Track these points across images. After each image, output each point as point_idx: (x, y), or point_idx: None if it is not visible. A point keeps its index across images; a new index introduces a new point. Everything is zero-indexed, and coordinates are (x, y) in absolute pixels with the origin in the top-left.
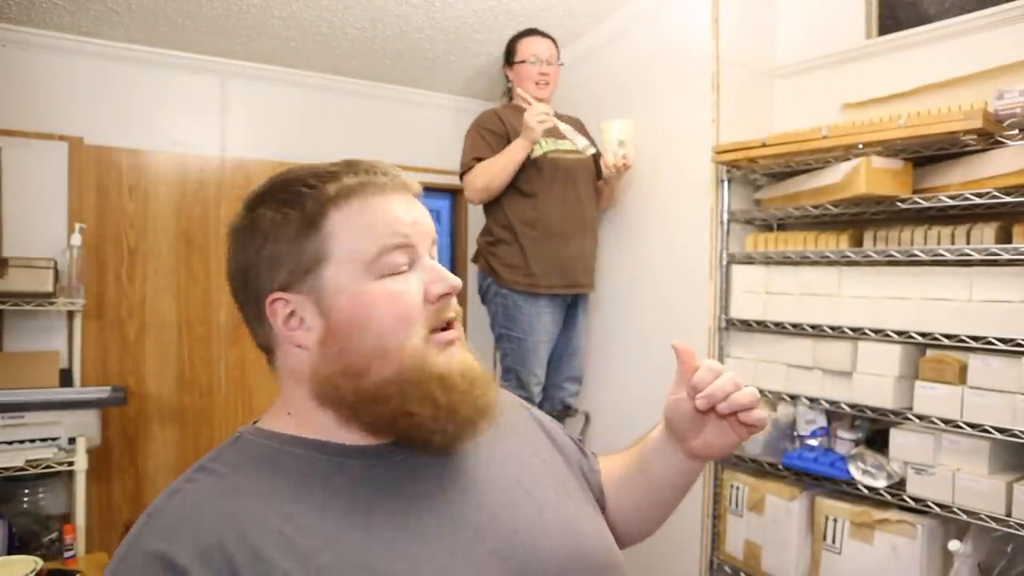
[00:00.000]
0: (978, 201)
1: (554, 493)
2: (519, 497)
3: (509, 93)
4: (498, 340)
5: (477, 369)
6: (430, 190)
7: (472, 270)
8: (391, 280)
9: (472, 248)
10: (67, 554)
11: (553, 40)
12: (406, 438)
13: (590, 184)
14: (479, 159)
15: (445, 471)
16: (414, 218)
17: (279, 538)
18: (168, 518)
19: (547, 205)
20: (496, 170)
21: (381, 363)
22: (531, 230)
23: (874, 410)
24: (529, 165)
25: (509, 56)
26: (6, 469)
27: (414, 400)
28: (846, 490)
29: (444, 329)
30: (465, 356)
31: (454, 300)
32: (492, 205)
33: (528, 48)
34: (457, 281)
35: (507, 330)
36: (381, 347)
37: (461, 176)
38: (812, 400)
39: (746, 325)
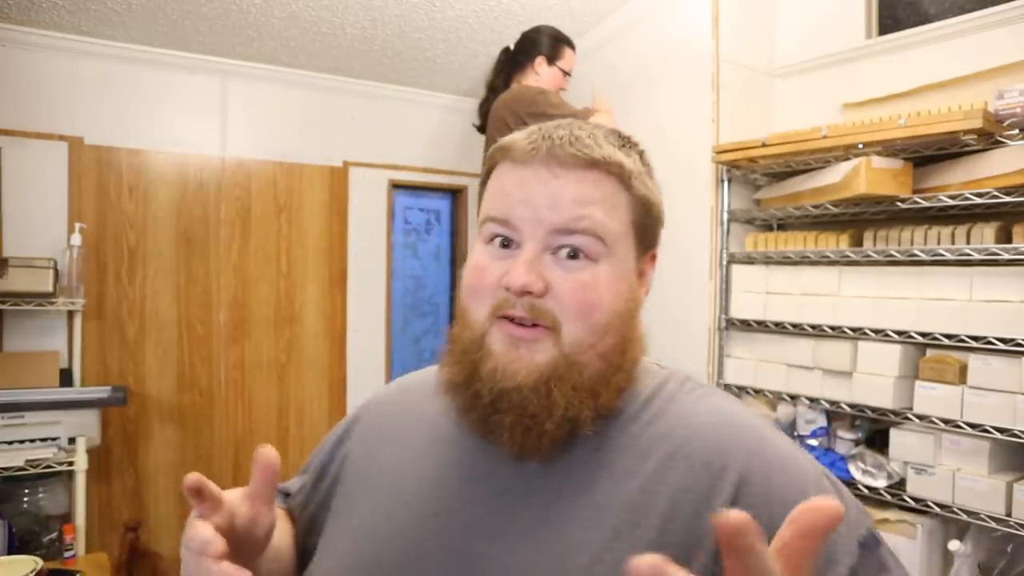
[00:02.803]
0: (978, 201)
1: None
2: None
3: (509, 78)
4: None
5: (526, 387)
6: (429, 190)
7: None
8: (487, 249)
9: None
10: (67, 554)
11: None
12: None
13: None
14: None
15: (529, 470)
16: (526, 196)
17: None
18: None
19: None
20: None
21: (462, 322)
22: None
23: (874, 410)
24: None
25: (549, 52)
26: (6, 469)
27: (472, 372)
28: None
29: (511, 320)
30: (526, 365)
31: (530, 301)
32: None
33: (571, 61)
34: (517, 282)
35: None
36: (463, 307)
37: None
38: (812, 400)
39: (746, 325)
